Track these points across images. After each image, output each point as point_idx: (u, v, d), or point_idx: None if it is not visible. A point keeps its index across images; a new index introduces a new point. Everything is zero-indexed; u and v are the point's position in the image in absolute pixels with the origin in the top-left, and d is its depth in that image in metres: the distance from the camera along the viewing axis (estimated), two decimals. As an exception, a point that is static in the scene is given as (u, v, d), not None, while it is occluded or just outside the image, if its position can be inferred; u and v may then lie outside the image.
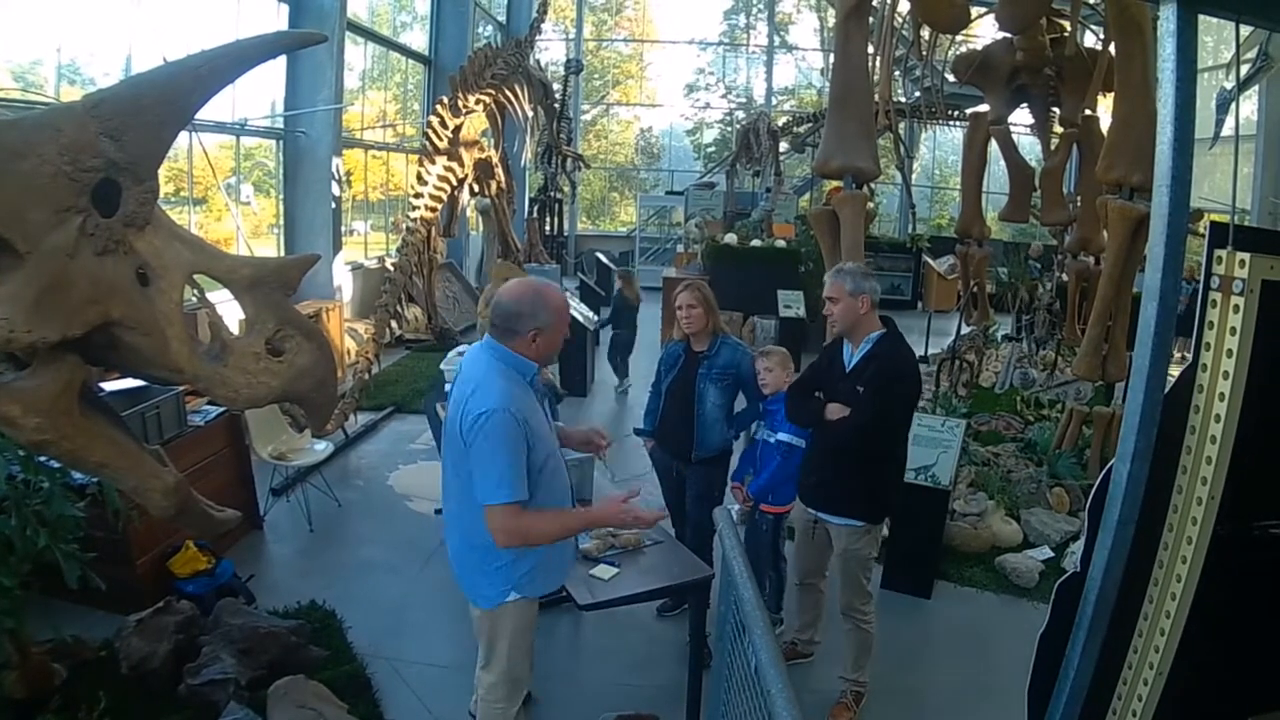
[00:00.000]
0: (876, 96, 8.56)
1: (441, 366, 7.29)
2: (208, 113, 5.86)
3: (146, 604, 5.04)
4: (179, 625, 4.89)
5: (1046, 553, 6.96)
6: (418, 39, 19.14)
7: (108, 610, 5.11)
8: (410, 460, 8.80)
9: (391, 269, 10.07)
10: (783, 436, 5.39)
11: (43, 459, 3.82)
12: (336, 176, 13.01)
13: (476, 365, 3.55)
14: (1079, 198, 9.60)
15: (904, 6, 9.05)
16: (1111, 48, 6.88)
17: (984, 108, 10.23)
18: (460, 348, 7.44)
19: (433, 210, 10.96)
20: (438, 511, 6.46)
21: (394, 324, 10.01)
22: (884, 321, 4.68)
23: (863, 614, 4.90)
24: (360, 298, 14.17)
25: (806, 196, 22.10)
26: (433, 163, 11.00)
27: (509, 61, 13.16)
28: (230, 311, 2.69)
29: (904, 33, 11.59)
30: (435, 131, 11.15)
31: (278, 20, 12.42)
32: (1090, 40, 10.48)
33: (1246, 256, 2.55)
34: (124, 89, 2.38)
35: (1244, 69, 10.97)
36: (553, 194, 21.14)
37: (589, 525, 4.16)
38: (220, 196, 11.88)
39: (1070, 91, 9.16)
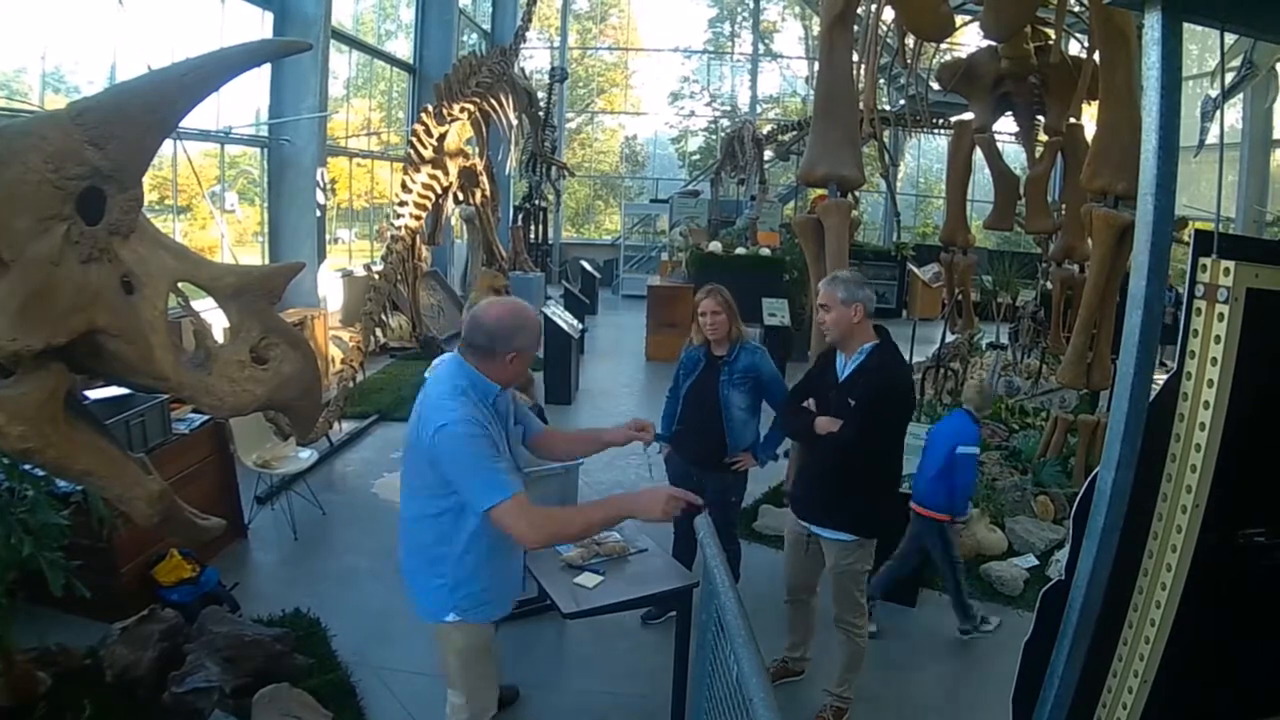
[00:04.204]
0: (861, 104, 8.57)
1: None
2: (192, 120, 5.83)
3: (131, 612, 5.01)
4: (163, 633, 4.86)
5: (1031, 561, 6.97)
6: (402, 47, 19.11)
7: (92, 618, 5.05)
8: (395, 468, 8.73)
9: (377, 277, 10.05)
10: None
11: (27, 467, 3.80)
12: (321, 185, 12.97)
13: (442, 378, 3.49)
14: (1063, 206, 9.64)
15: (889, 14, 9.09)
16: (1096, 56, 6.91)
17: (969, 116, 10.28)
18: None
19: (417, 218, 10.94)
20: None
21: (379, 332, 10.00)
22: (878, 332, 4.62)
23: (855, 626, 4.84)
24: (347, 305, 14.13)
25: (791, 204, 22.11)
26: (417, 171, 10.98)
27: (494, 70, 13.16)
28: (215, 319, 2.68)
29: (889, 40, 11.64)
30: (420, 140, 11.13)
31: (262, 28, 12.38)
32: (1075, 48, 10.51)
33: (1231, 264, 2.56)
34: (108, 97, 2.38)
35: (1229, 77, 11.02)
36: (537, 202, 21.19)
37: (629, 514, 3.57)
38: (205, 205, 11.83)
39: (1055, 99, 9.20)
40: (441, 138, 11.44)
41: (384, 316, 9.97)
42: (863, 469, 4.56)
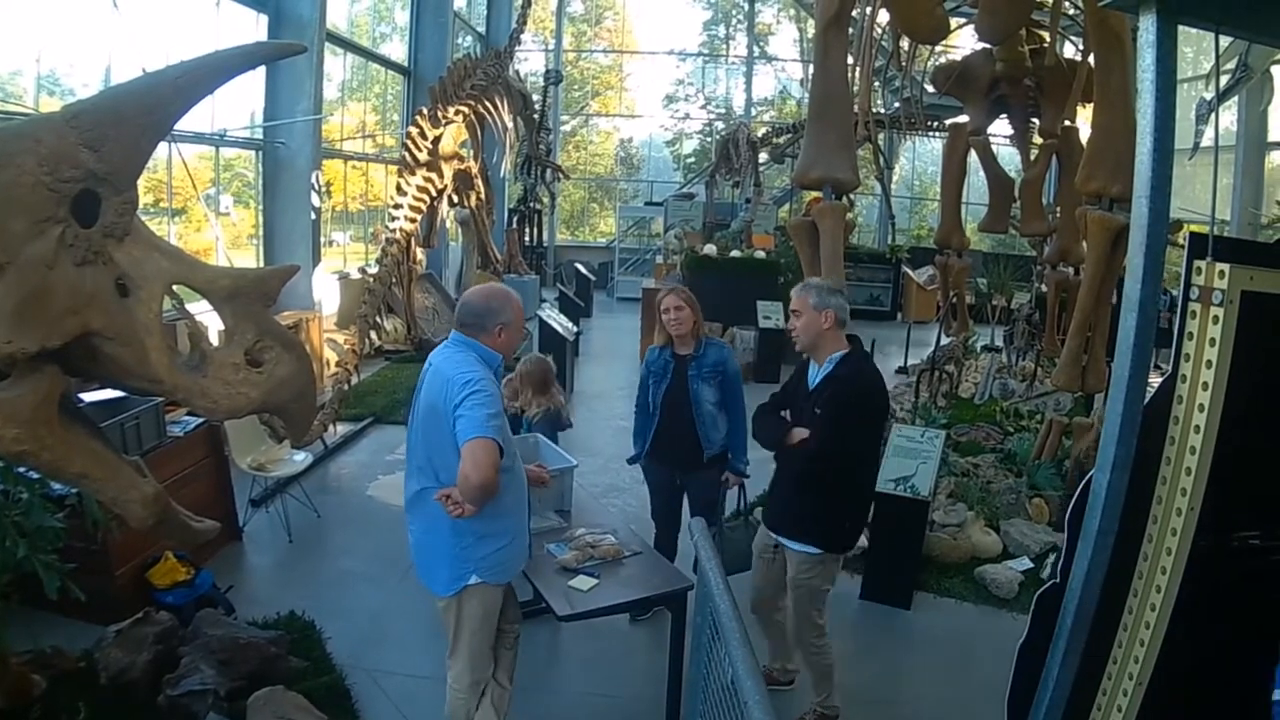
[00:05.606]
0: (856, 107, 8.57)
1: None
2: (187, 123, 5.83)
3: (126, 615, 5.00)
4: (158, 636, 4.85)
5: (1026, 563, 6.96)
6: (397, 50, 19.08)
7: (87, 621, 5.05)
8: (389, 471, 8.75)
9: (372, 280, 10.04)
10: None
11: (22, 470, 3.80)
12: (316, 187, 12.94)
13: (454, 355, 3.94)
14: (1058, 208, 9.67)
15: (884, 17, 9.10)
16: (1091, 58, 6.93)
17: (963, 118, 10.33)
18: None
19: (412, 221, 10.94)
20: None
21: (374, 334, 9.98)
22: (850, 341, 4.54)
23: (814, 646, 4.75)
24: (342, 308, 14.09)
25: (786, 207, 22.13)
26: (412, 174, 10.99)
27: (488, 72, 13.16)
28: (210, 322, 2.68)
29: (883, 43, 11.64)
30: (414, 142, 11.14)
31: (257, 31, 12.35)
32: (1070, 51, 10.53)
33: (1226, 267, 2.57)
34: (103, 100, 2.38)
35: (1223, 79, 11.05)
36: (532, 205, 21.23)
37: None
38: (199, 207, 11.80)
39: (1050, 102, 9.23)
40: (436, 140, 11.44)
41: (379, 319, 9.98)
42: (830, 481, 4.47)
